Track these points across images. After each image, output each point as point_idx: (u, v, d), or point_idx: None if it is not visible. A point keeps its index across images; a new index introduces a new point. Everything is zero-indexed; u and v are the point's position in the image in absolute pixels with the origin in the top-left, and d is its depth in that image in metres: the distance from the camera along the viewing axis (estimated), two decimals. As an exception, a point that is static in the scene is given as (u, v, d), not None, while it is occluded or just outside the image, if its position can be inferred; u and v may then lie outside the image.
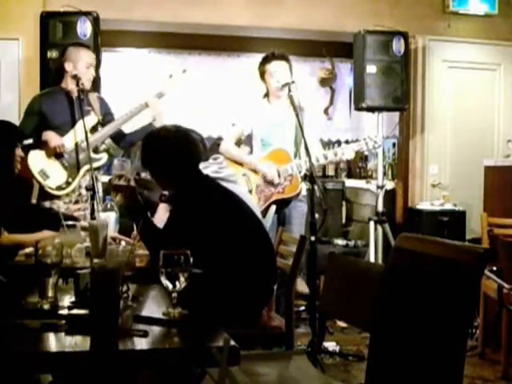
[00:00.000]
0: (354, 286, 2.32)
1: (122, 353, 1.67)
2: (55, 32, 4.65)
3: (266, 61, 4.38)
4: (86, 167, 4.04)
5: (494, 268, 3.82)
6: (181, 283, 1.96)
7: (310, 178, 3.69)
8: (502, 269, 3.78)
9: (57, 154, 4.04)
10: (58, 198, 4.09)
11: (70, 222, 2.99)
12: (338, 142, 6.57)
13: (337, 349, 4.17)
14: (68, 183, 4.08)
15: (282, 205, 4.32)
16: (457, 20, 5.81)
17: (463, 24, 5.85)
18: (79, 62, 4.14)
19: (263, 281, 2.83)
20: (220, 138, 4.81)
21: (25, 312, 1.95)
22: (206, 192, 2.86)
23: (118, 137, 4.27)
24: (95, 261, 2.60)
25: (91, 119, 4.14)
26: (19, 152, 3.14)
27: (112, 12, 5.05)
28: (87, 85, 4.18)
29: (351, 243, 5.89)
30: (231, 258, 2.71)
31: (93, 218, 3.33)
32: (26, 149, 3.98)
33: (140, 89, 5.74)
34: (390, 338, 1.86)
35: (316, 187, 3.72)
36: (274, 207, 4.30)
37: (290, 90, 4.07)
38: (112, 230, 3.03)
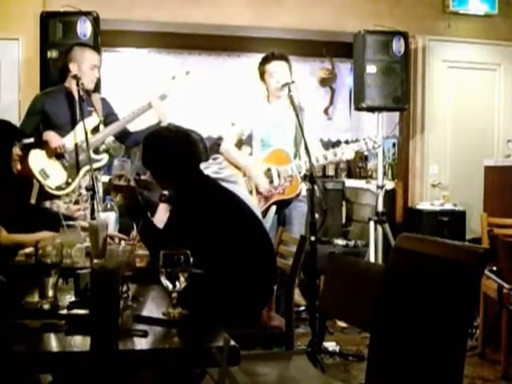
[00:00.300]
0: (354, 286, 2.32)
1: (122, 353, 1.67)
2: (55, 32, 4.65)
3: (265, 61, 4.38)
4: (86, 168, 4.04)
5: (494, 268, 3.82)
6: (181, 283, 1.96)
7: (309, 178, 3.69)
8: (502, 269, 3.78)
9: (57, 155, 4.05)
10: (58, 197, 4.09)
11: (71, 222, 2.99)
12: (338, 142, 6.56)
13: (337, 349, 4.17)
14: (68, 183, 4.08)
15: (282, 205, 4.32)
16: (457, 20, 5.81)
17: (463, 24, 5.85)
18: (84, 63, 4.14)
19: (263, 281, 2.83)
20: (220, 138, 4.81)
21: (25, 312, 1.95)
22: (206, 192, 2.86)
23: (124, 135, 4.27)
24: (95, 261, 2.60)
25: (93, 120, 4.15)
26: (17, 151, 3.14)
27: (112, 12, 5.05)
28: (90, 86, 4.18)
29: (351, 243, 5.89)
30: (231, 258, 2.71)
31: (93, 218, 3.34)
32: (27, 148, 3.99)
33: (140, 89, 5.75)
34: (389, 338, 1.86)
35: (316, 187, 3.72)
36: (274, 207, 4.29)
37: (289, 90, 4.07)
38: (112, 230, 3.03)
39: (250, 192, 4.20)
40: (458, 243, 1.93)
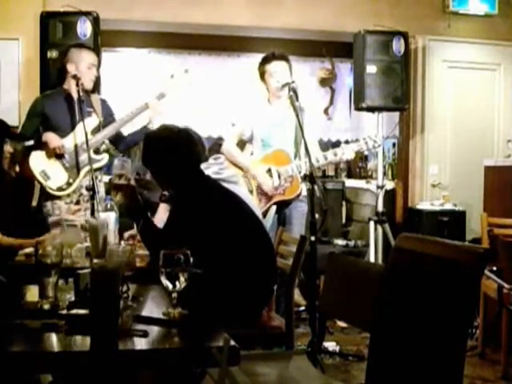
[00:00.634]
0: (354, 286, 2.32)
1: (122, 353, 1.67)
2: (55, 32, 4.65)
3: (265, 61, 4.38)
4: (87, 168, 4.04)
5: (494, 268, 3.82)
6: (181, 283, 1.96)
7: (310, 178, 3.69)
8: (502, 269, 3.78)
9: (57, 155, 4.05)
10: (59, 198, 4.09)
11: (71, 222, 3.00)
12: (338, 142, 6.56)
13: (337, 349, 4.17)
14: (69, 184, 4.09)
15: (283, 205, 4.32)
16: (457, 20, 5.81)
17: (463, 24, 5.85)
18: (81, 63, 4.14)
19: (263, 281, 2.83)
20: (220, 138, 4.81)
21: (25, 312, 1.95)
22: (206, 192, 2.86)
23: (118, 140, 4.27)
24: (95, 261, 2.60)
25: (92, 120, 4.15)
26: (8, 148, 3.13)
27: (112, 12, 5.05)
28: (89, 85, 4.18)
29: (351, 243, 5.88)
30: (231, 258, 2.71)
31: (93, 218, 3.34)
32: (28, 150, 4.00)
33: (140, 89, 5.75)
34: (389, 337, 1.86)
35: (316, 187, 3.72)
36: (274, 207, 4.30)
37: (289, 90, 4.07)
38: (112, 230, 3.03)
39: (251, 192, 4.20)
40: (458, 243, 1.93)
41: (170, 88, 4.28)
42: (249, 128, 4.42)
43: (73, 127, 4.09)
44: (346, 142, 6.46)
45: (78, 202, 4.08)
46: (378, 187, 5.50)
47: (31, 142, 4.01)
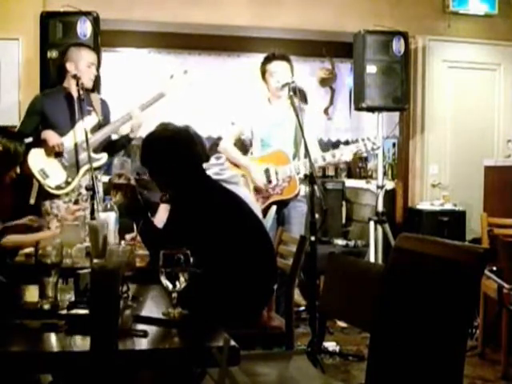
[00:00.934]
0: (354, 286, 2.32)
1: (122, 353, 1.67)
2: (55, 32, 4.64)
3: (266, 61, 4.39)
4: (86, 167, 4.04)
5: (494, 268, 3.82)
6: (181, 283, 1.96)
7: (310, 178, 3.69)
8: (502, 269, 3.78)
9: (56, 153, 4.05)
10: (58, 197, 4.09)
11: (71, 222, 3.00)
12: (338, 142, 6.56)
13: (337, 349, 4.17)
14: (67, 183, 4.08)
15: (281, 205, 4.32)
16: (457, 20, 5.81)
17: (463, 24, 5.85)
18: (80, 62, 4.14)
19: (263, 281, 2.83)
20: (220, 138, 4.82)
21: (25, 312, 1.95)
22: (206, 192, 2.86)
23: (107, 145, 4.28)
24: (95, 261, 2.60)
25: (92, 119, 4.15)
26: (14, 173, 3.13)
27: (112, 12, 5.05)
28: (89, 84, 4.18)
29: (351, 243, 5.89)
30: (231, 258, 2.71)
31: (93, 217, 3.34)
32: (27, 148, 3.99)
33: (140, 89, 5.74)
34: (390, 337, 1.86)
35: (316, 187, 3.72)
36: (274, 207, 4.30)
37: (289, 90, 4.07)
38: (112, 230, 3.03)
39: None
40: (458, 243, 1.93)
41: (170, 88, 4.28)
42: (248, 128, 4.43)
43: (72, 126, 4.09)
44: (346, 142, 6.46)
45: (76, 202, 4.08)
46: (378, 187, 5.50)
47: (30, 139, 4.00)
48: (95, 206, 3.44)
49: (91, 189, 3.55)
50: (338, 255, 2.79)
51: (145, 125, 4.16)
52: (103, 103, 4.32)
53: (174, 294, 1.96)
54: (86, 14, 4.67)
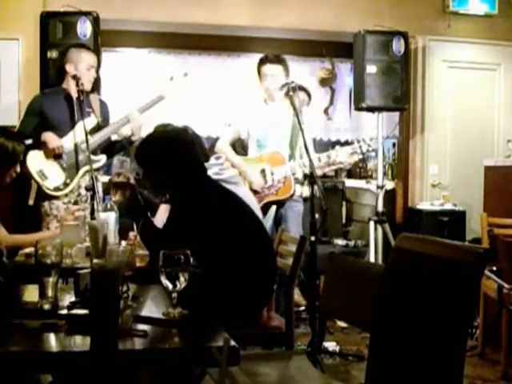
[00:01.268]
0: (354, 286, 2.32)
1: (122, 353, 1.67)
2: (55, 32, 4.64)
3: (260, 63, 4.49)
4: (85, 168, 4.04)
5: (494, 268, 3.82)
6: (181, 283, 1.96)
7: (310, 178, 3.69)
8: (502, 269, 3.78)
9: (55, 155, 4.04)
10: (57, 198, 4.09)
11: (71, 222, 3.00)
12: (338, 143, 6.56)
13: (337, 349, 4.17)
14: (66, 184, 4.08)
15: (278, 205, 4.35)
16: (457, 20, 5.81)
17: (463, 24, 5.85)
18: (80, 64, 4.14)
19: (263, 281, 2.83)
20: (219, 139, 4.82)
21: (25, 312, 1.95)
22: (206, 192, 2.86)
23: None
24: (95, 261, 2.60)
25: (91, 121, 4.14)
26: (14, 170, 3.13)
27: (112, 12, 5.05)
28: (88, 86, 4.18)
29: (351, 243, 5.89)
30: (231, 258, 2.71)
31: (93, 218, 3.33)
32: (26, 149, 3.99)
33: (140, 89, 5.75)
34: (390, 338, 1.86)
35: (316, 187, 3.73)
36: (274, 207, 4.32)
37: (289, 91, 4.07)
38: (112, 230, 3.03)
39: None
40: (458, 243, 1.93)
41: (170, 91, 4.28)
42: (245, 128, 4.46)
43: (72, 127, 4.08)
44: (346, 142, 6.46)
45: (76, 203, 4.07)
46: (378, 187, 5.50)
47: (30, 141, 4.00)
48: (95, 206, 3.44)
49: (91, 189, 3.55)
50: (337, 255, 2.79)
51: (145, 126, 4.16)
52: (102, 104, 4.32)
53: (174, 294, 1.97)
54: (86, 13, 4.67)
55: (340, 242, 5.92)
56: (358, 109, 5.45)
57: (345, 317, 2.63)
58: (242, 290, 2.69)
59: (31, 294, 2.13)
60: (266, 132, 4.41)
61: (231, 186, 3.08)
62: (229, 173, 3.42)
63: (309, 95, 5.46)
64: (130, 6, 5.23)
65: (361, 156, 4.46)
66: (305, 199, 4.62)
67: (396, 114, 5.82)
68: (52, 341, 1.75)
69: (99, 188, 4.09)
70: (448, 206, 5.57)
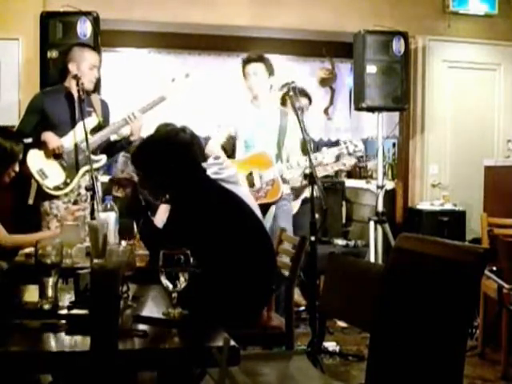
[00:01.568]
0: (354, 286, 2.32)
1: (122, 353, 1.67)
2: (55, 32, 4.64)
3: (243, 63, 4.57)
4: (85, 168, 4.04)
5: (494, 268, 3.82)
6: (181, 283, 1.96)
7: (310, 177, 3.70)
8: (502, 269, 3.78)
9: (56, 155, 4.04)
10: (57, 198, 4.09)
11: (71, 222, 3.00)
12: (338, 142, 6.56)
13: (337, 349, 4.17)
14: (66, 184, 4.08)
15: (268, 206, 4.36)
16: (457, 20, 5.81)
17: (463, 24, 5.85)
18: (83, 63, 4.14)
19: (263, 281, 2.83)
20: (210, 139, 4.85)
21: (25, 312, 1.95)
22: (205, 192, 2.86)
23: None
24: (95, 261, 2.60)
25: (92, 120, 4.14)
26: (13, 169, 3.13)
27: (112, 12, 5.05)
28: (89, 86, 4.18)
29: (351, 243, 5.89)
30: (231, 257, 2.71)
31: (93, 218, 3.33)
32: (26, 148, 3.98)
33: (140, 89, 5.75)
34: (389, 337, 1.86)
35: (316, 187, 3.73)
36: (274, 207, 4.32)
37: (289, 91, 4.07)
38: (112, 230, 3.03)
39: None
40: (458, 243, 1.93)
41: (171, 92, 4.28)
42: (234, 129, 4.48)
43: (72, 126, 4.08)
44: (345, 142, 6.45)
45: (75, 202, 4.07)
46: (378, 187, 5.50)
47: (30, 140, 4.00)
48: (95, 206, 3.44)
49: (91, 189, 3.55)
50: (337, 255, 2.79)
51: (145, 127, 4.16)
52: (103, 104, 4.32)
53: (174, 294, 1.96)
54: (86, 14, 4.67)
55: (340, 242, 5.92)
56: (358, 109, 5.45)
57: (345, 317, 2.63)
58: (241, 290, 2.69)
59: (31, 294, 2.13)
60: (254, 132, 4.43)
61: (231, 186, 3.07)
62: (228, 172, 3.40)
63: (309, 99, 5.46)
64: (129, 6, 5.23)
65: (356, 160, 4.48)
66: (305, 199, 4.64)
67: (396, 114, 5.82)
68: (52, 341, 1.75)
69: (99, 188, 4.09)
70: (448, 206, 5.57)
